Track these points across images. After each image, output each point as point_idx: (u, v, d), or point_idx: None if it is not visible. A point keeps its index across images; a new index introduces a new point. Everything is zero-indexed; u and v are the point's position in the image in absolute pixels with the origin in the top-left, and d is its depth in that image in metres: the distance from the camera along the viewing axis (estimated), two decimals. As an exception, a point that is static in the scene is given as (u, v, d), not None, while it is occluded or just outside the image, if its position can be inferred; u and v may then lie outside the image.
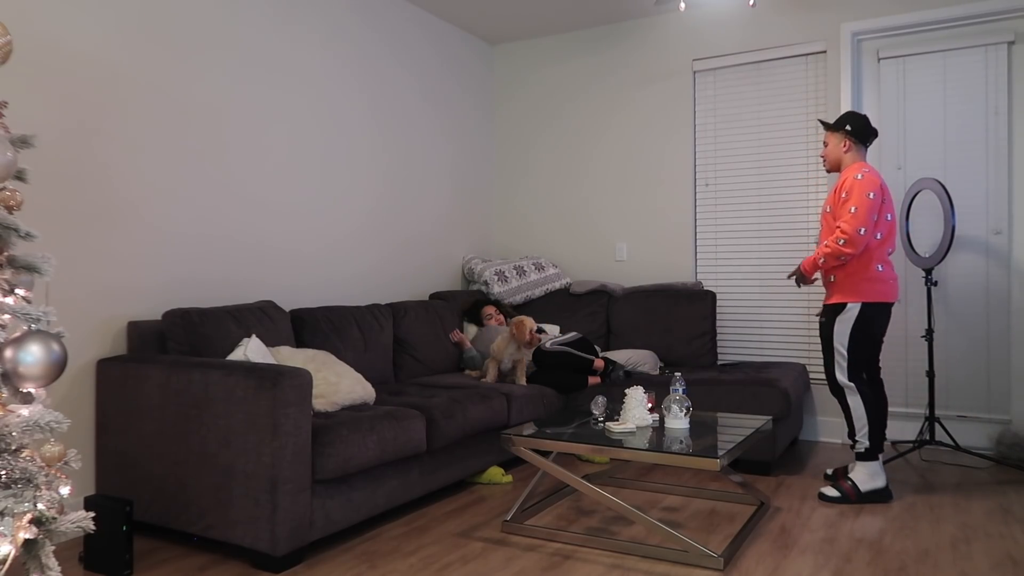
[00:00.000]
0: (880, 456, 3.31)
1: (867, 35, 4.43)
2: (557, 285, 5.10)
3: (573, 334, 4.42)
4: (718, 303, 4.82)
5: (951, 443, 3.87)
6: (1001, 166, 4.13)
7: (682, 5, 3.81)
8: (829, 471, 3.61)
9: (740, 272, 4.77)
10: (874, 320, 3.32)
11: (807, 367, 4.51)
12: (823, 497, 3.31)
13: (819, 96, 4.53)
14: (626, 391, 3.19)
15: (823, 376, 4.49)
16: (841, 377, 3.34)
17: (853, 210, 3.21)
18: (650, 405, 3.17)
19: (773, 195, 4.66)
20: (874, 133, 3.43)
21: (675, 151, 4.96)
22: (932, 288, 4.19)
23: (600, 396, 3.24)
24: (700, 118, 4.90)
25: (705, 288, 4.77)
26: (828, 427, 4.49)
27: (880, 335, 3.40)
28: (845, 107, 4.40)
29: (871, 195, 3.21)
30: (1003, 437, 3.96)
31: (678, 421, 3.06)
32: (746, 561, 2.62)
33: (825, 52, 4.49)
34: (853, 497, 3.27)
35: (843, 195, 3.28)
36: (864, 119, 3.42)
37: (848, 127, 3.40)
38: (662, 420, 3.12)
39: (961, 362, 4.23)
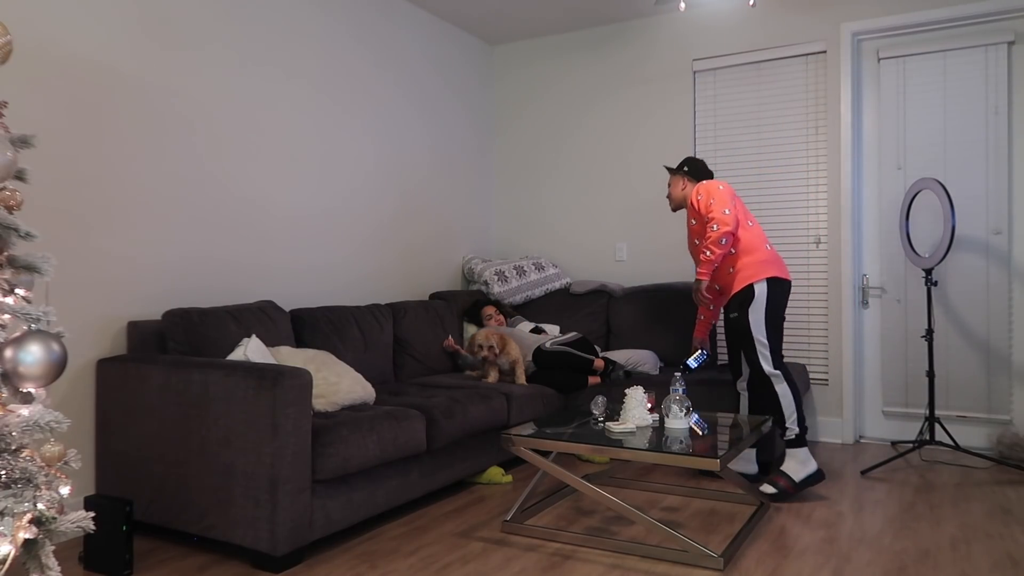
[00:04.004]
0: (807, 442, 3.36)
1: (867, 35, 4.43)
2: (557, 285, 5.09)
3: (573, 334, 4.43)
4: (718, 303, 4.82)
5: (951, 443, 3.87)
6: (1001, 166, 4.13)
7: (682, 5, 3.81)
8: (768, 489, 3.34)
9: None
10: (780, 299, 3.43)
11: (807, 367, 4.51)
12: (764, 495, 3.29)
13: (819, 96, 4.53)
14: (626, 391, 3.19)
15: (823, 376, 4.50)
16: (767, 367, 3.37)
17: (712, 202, 3.43)
18: (650, 405, 3.17)
19: (773, 195, 4.66)
20: (709, 175, 3.72)
21: (675, 151, 4.96)
22: (932, 288, 4.19)
23: (600, 396, 3.24)
24: (700, 118, 4.90)
25: (705, 288, 4.77)
26: (828, 427, 4.49)
27: (784, 317, 3.49)
28: (845, 107, 4.40)
29: (721, 187, 3.46)
30: (1003, 437, 3.96)
31: (678, 421, 3.06)
32: (746, 561, 2.62)
33: (825, 52, 4.49)
34: (791, 490, 3.30)
35: (697, 198, 3.50)
36: (701, 163, 3.75)
37: (685, 168, 3.74)
38: (662, 420, 3.13)
39: (961, 362, 4.23)
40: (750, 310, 3.39)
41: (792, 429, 3.35)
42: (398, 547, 2.79)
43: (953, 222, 3.79)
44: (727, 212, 3.41)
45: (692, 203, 3.57)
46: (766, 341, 3.38)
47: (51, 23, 2.89)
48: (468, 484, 3.62)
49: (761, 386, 3.41)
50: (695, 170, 3.74)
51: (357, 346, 3.82)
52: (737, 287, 3.45)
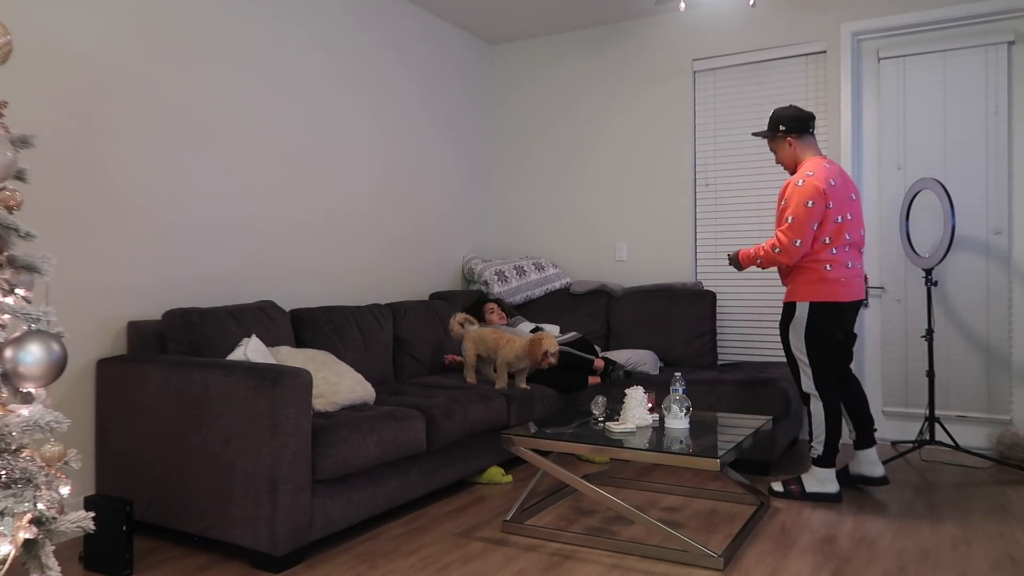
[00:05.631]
0: (834, 465, 3.28)
1: (867, 35, 4.43)
2: (557, 285, 5.10)
3: (573, 334, 4.42)
4: (718, 303, 4.82)
5: (951, 443, 3.87)
6: (1001, 166, 4.13)
7: (682, 5, 3.81)
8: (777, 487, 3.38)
9: (740, 272, 4.76)
10: (828, 321, 3.21)
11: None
12: (772, 492, 3.35)
13: (819, 96, 4.53)
14: (626, 391, 3.19)
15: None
16: (807, 385, 3.30)
17: (790, 220, 3.15)
18: (650, 405, 3.17)
19: (773, 195, 4.65)
20: (810, 117, 3.32)
21: (675, 151, 4.96)
22: (932, 288, 4.19)
23: (600, 396, 3.24)
24: (700, 118, 4.90)
25: (705, 288, 4.77)
26: (828, 427, 4.48)
27: (842, 336, 3.28)
28: (845, 107, 4.40)
29: (809, 204, 3.11)
30: (1003, 437, 3.96)
31: (678, 421, 3.06)
32: (746, 561, 2.62)
33: (825, 52, 4.49)
34: (796, 494, 3.30)
35: (782, 201, 3.22)
36: (792, 109, 3.33)
37: (782, 127, 3.32)
38: (662, 420, 3.12)
39: (961, 362, 4.23)
40: (791, 327, 3.30)
41: (816, 449, 3.28)
42: (398, 547, 2.79)
43: (953, 222, 3.79)
44: (797, 244, 3.13)
45: (784, 191, 3.23)
46: (806, 360, 3.27)
47: (51, 23, 2.89)
48: (468, 484, 3.62)
49: (803, 401, 3.39)
50: (795, 126, 3.30)
51: (357, 346, 3.82)
52: (785, 298, 3.35)
